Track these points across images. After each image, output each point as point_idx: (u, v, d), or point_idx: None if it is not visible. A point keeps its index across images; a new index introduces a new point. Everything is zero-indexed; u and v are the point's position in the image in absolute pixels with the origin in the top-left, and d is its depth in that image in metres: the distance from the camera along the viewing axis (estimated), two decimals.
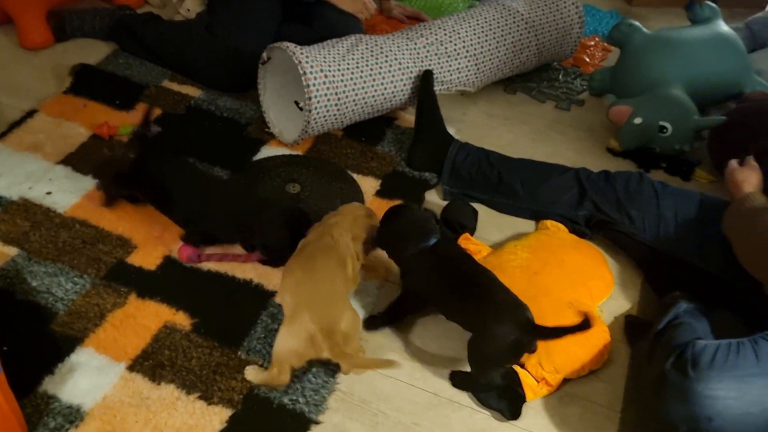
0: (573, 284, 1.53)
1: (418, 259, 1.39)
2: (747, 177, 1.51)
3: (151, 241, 1.59)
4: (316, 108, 1.77)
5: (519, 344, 1.27)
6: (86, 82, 2.02)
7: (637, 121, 1.92)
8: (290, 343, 1.27)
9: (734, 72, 2.07)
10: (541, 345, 1.30)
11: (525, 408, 1.35)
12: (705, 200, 1.63)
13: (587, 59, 2.42)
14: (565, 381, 1.40)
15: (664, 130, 1.90)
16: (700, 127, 1.91)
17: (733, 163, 1.58)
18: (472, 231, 1.68)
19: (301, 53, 1.76)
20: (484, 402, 1.36)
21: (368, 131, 1.97)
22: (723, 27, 2.10)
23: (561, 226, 1.67)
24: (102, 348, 1.37)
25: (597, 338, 1.43)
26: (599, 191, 1.66)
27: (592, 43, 2.50)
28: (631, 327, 1.51)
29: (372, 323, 1.47)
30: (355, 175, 1.83)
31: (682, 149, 1.94)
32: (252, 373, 1.33)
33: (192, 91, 2.05)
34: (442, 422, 1.33)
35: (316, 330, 1.25)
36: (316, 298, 1.29)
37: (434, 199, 1.81)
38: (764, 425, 1.19)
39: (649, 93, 1.96)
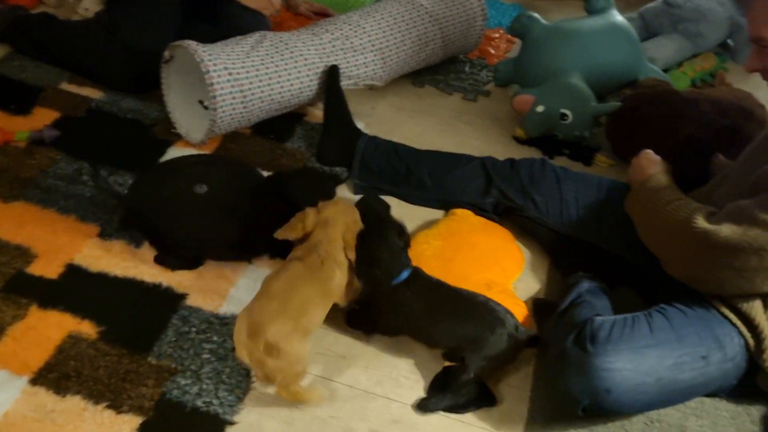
0: (487, 266, 1.58)
1: (397, 293, 1.39)
2: (651, 161, 1.55)
3: (53, 249, 1.53)
4: (221, 107, 1.75)
5: (518, 343, 1.35)
6: None
7: (540, 109, 1.98)
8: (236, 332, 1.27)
9: (628, 60, 2.17)
10: None
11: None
12: (604, 183, 1.70)
13: (492, 51, 2.48)
14: None
15: (565, 117, 1.98)
16: (598, 114, 2.00)
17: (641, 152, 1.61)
18: None
19: (204, 51, 1.74)
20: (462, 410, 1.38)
21: (277, 128, 1.96)
22: (617, 17, 2.19)
23: (468, 212, 1.71)
24: (2, 363, 1.31)
25: (515, 314, 1.47)
26: (505, 179, 1.70)
27: (497, 35, 2.56)
28: (538, 309, 1.55)
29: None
30: (265, 173, 1.81)
31: (583, 135, 2.02)
32: None
33: (92, 92, 1.98)
34: (359, 414, 1.34)
35: (243, 338, 1.24)
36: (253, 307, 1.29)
37: (346, 194, 1.81)
38: (659, 392, 1.26)
39: (549, 82, 2.03)
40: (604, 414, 1.32)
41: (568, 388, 1.26)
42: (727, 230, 1.22)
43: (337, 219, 1.40)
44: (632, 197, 1.53)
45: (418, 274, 1.42)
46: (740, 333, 1.30)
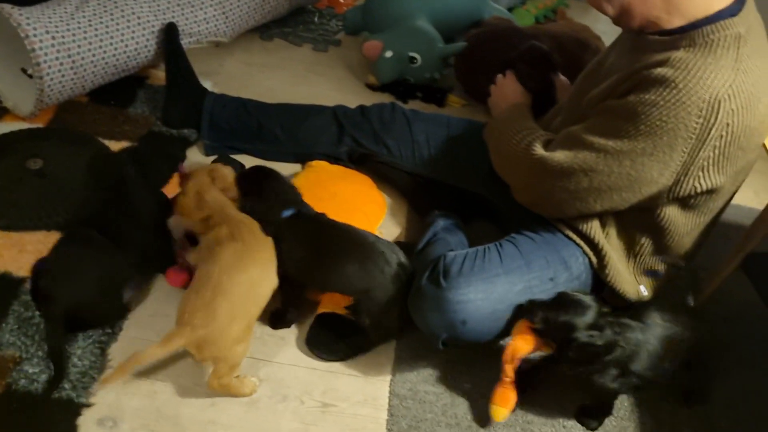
0: (351, 213, 1.56)
1: (288, 225, 1.35)
2: (514, 90, 1.56)
3: None
4: (48, 74, 1.61)
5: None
6: None
7: (388, 54, 1.98)
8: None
9: (473, 2, 2.20)
10: None
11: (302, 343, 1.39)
12: (453, 122, 1.72)
13: (340, 0, 2.44)
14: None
15: (414, 61, 1.98)
16: (445, 54, 2.02)
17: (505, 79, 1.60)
18: None
19: (20, 14, 1.59)
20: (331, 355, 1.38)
21: (117, 93, 1.85)
22: None
23: (324, 162, 1.69)
24: None
25: None
26: (356, 126, 1.69)
27: None
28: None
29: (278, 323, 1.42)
30: (107, 141, 1.71)
31: (433, 77, 2.04)
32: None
33: None
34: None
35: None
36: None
37: (197, 156, 1.74)
38: (512, 319, 1.31)
39: (396, 26, 2.02)
40: (462, 345, 1.36)
41: (427, 323, 1.29)
42: (559, 155, 1.27)
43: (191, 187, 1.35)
44: (491, 124, 1.54)
45: (306, 213, 1.40)
46: (584, 252, 1.37)
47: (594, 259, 1.37)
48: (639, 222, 1.33)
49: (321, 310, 1.42)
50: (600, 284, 1.42)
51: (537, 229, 1.41)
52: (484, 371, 1.39)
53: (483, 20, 2.19)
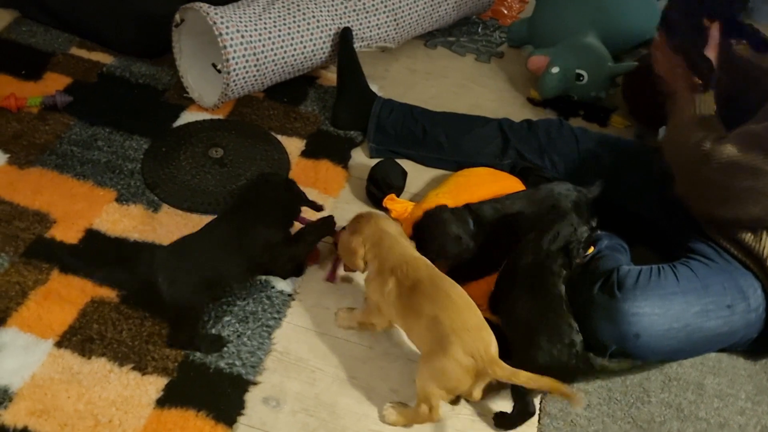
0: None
1: None
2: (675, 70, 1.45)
3: (71, 214, 1.53)
4: (234, 70, 1.73)
5: None
6: None
7: (555, 70, 1.96)
8: (443, 376, 1.18)
9: (645, 19, 2.13)
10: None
11: None
12: (622, 143, 1.69)
13: (505, 11, 2.45)
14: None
15: (581, 78, 1.95)
16: (614, 74, 1.97)
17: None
18: (398, 191, 1.68)
19: (216, 14, 1.71)
20: None
21: (290, 91, 1.95)
22: None
23: (476, 168, 1.69)
24: (27, 326, 1.32)
25: None
26: (522, 139, 1.69)
27: None
28: None
29: None
30: (279, 137, 1.81)
31: (599, 96, 2.00)
32: (394, 416, 1.27)
33: (103, 57, 1.97)
34: (378, 374, 1.35)
35: (472, 361, 1.16)
36: (465, 328, 1.17)
37: (361, 158, 1.81)
38: (686, 338, 1.28)
39: (564, 42, 2.00)
40: (631, 358, 1.33)
41: (597, 334, 1.28)
42: (730, 149, 1.23)
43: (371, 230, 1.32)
44: (668, 141, 1.46)
45: None
46: (763, 286, 1.32)
47: None
48: None
49: None
50: None
51: (710, 255, 1.38)
52: (642, 404, 1.35)
53: (654, 40, 2.12)
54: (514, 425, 1.29)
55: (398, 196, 1.66)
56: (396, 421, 1.27)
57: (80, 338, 1.31)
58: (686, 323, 1.27)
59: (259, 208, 1.38)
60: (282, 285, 1.47)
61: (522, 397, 1.26)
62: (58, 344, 1.30)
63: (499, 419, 1.29)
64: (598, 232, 1.49)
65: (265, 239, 1.36)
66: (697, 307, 1.28)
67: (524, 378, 1.15)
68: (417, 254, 1.30)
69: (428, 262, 1.29)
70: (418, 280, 1.23)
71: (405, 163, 1.77)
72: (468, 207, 1.45)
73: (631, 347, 1.26)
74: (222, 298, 1.41)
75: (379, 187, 1.66)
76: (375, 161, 1.75)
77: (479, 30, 2.33)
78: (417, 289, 1.22)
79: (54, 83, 1.86)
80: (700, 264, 1.36)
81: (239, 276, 1.38)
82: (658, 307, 1.26)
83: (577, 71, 1.95)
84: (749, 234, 1.34)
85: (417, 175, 1.77)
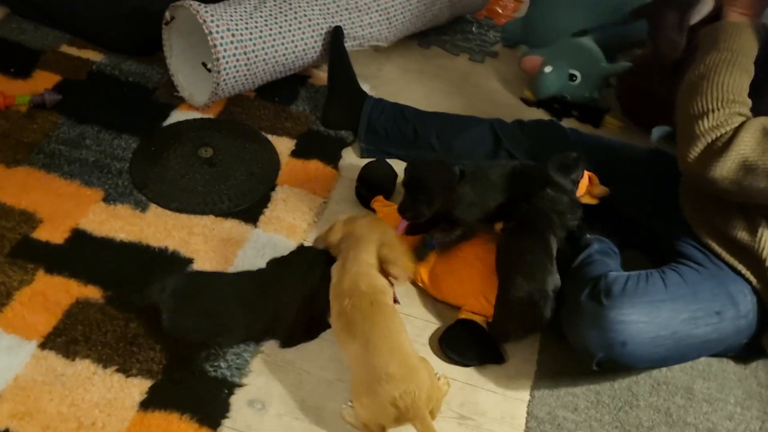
0: None
1: None
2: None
3: (58, 214, 1.52)
4: (225, 69, 1.72)
5: None
6: None
7: (548, 70, 1.95)
8: (369, 416, 1.16)
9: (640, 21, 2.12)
10: None
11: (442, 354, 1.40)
12: (615, 144, 1.68)
13: (500, 10, 2.43)
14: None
15: (574, 78, 1.94)
16: (608, 74, 1.96)
17: None
18: (388, 193, 1.66)
19: (206, 12, 1.70)
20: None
21: (281, 91, 1.93)
22: None
23: None
24: (11, 327, 1.31)
25: None
26: (513, 140, 1.68)
27: None
28: None
29: None
30: (269, 136, 1.79)
31: (592, 96, 1.99)
32: (351, 417, 1.24)
33: (93, 55, 1.95)
34: None
35: (395, 411, 1.12)
36: (390, 377, 1.13)
37: (352, 158, 1.79)
38: (674, 346, 1.27)
39: (558, 42, 1.99)
40: (618, 368, 1.34)
41: (584, 341, 1.27)
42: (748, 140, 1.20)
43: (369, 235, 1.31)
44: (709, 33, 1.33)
45: None
46: (753, 289, 1.31)
47: (763, 291, 1.30)
48: None
49: (462, 316, 1.43)
50: (763, 328, 1.35)
51: (700, 260, 1.36)
52: (630, 408, 1.35)
53: (648, 40, 2.10)
54: None
55: (387, 197, 1.64)
56: (350, 422, 1.25)
57: (65, 339, 1.30)
58: (674, 330, 1.26)
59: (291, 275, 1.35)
60: None
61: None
62: (42, 345, 1.29)
63: None
64: (588, 236, 1.49)
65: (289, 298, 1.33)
66: (686, 314, 1.26)
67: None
68: (375, 281, 1.25)
69: (380, 285, 1.25)
70: (360, 305, 1.20)
71: (396, 164, 1.76)
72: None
73: (618, 355, 1.25)
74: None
75: (368, 188, 1.65)
76: (366, 161, 1.74)
77: (473, 29, 2.32)
78: (356, 312, 1.19)
79: (43, 81, 1.84)
80: (689, 269, 1.34)
81: (240, 333, 1.32)
82: (646, 314, 1.24)
83: (571, 71, 1.94)
84: (746, 233, 1.32)
85: None
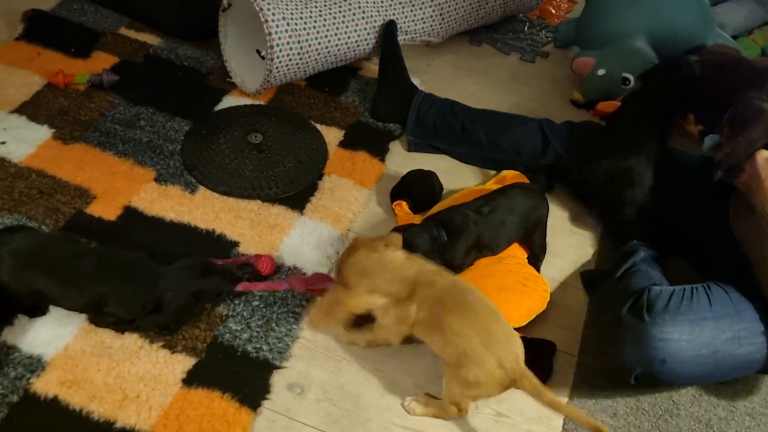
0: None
1: None
2: None
3: (111, 191, 1.56)
4: (278, 57, 1.74)
5: None
6: (39, 29, 1.95)
7: (600, 72, 1.93)
8: (476, 388, 1.19)
9: (697, 24, 2.08)
10: None
11: None
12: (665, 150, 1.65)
13: (553, 11, 2.41)
14: (528, 326, 1.42)
15: (627, 82, 1.92)
16: None
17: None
18: (416, 203, 1.61)
19: (263, 0, 1.72)
20: None
21: (332, 81, 1.95)
22: None
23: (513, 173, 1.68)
24: None
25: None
26: (562, 141, 1.67)
27: None
28: (587, 280, 1.53)
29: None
30: (318, 126, 1.81)
31: None
32: (420, 408, 1.28)
33: (150, 38, 1.99)
34: (404, 368, 1.35)
35: (504, 373, 1.16)
36: (494, 341, 1.16)
37: (399, 151, 1.80)
38: (715, 365, 1.24)
39: (612, 45, 1.97)
40: (656, 383, 1.31)
41: (623, 356, 1.25)
42: None
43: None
44: (751, 218, 1.31)
45: None
46: None
47: None
48: None
49: None
50: None
51: (746, 278, 1.32)
52: (670, 416, 1.33)
53: (705, 46, 2.06)
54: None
55: (413, 207, 1.61)
56: (423, 413, 1.28)
57: None
58: (716, 350, 1.23)
59: None
60: None
61: None
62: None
63: None
64: (634, 241, 1.47)
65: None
66: (729, 334, 1.23)
67: (547, 398, 1.16)
68: (429, 266, 1.25)
69: (442, 271, 1.25)
70: (438, 296, 1.20)
71: (443, 159, 1.77)
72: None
73: (657, 372, 1.23)
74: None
75: (402, 191, 1.64)
76: (412, 156, 1.75)
77: (525, 29, 2.30)
78: (439, 304, 1.19)
79: (102, 62, 1.89)
80: (735, 287, 1.30)
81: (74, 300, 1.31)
82: (687, 333, 1.21)
83: (624, 75, 1.91)
84: None
85: (454, 171, 1.75)
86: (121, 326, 1.31)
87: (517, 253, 1.50)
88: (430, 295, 1.20)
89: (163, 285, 1.28)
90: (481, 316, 1.19)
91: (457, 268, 1.37)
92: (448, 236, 1.37)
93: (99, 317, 1.30)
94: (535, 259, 1.51)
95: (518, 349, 1.18)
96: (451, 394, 1.23)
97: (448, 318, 1.18)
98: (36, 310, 1.31)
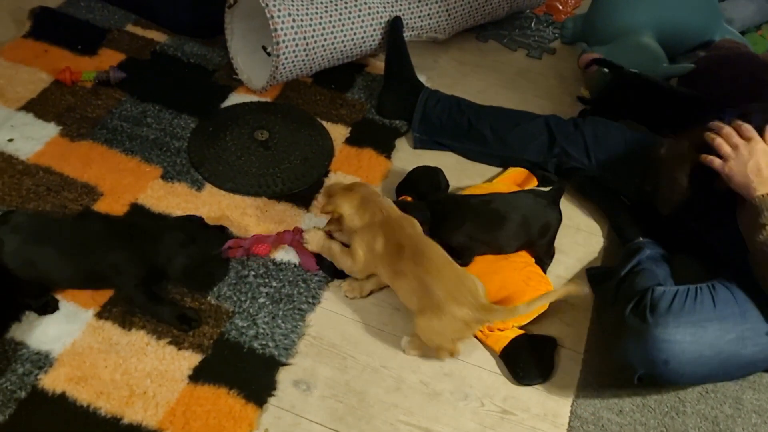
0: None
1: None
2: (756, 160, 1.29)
3: (118, 188, 1.57)
4: (284, 53, 1.74)
5: None
6: (46, 26, 1.96)
7: (607, 69, 1.91)
8: (445, 331, 1.28)
9: (705, 20, 2.07)
10: None
11: (493, 350, 1.39)
12: None
13: (560, 7, 2.40)
14: (533, 323, 1.42)
15: None
16: (669, 75, 1.92)
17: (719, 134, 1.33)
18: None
19: None
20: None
21: (338, 78, 1.95)
22: None
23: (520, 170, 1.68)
24: (70, 296, 1.36)
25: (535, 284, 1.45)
26: (568, 137, 1.66)
27: None
28: (593, 278, 1.53)
29: None
30: (324, 123, 1.81)
31: None
32: (414, 350, 1.37)
33: (157, 36, 2.00)
34: (409, 365, 1.35)
35: (467, 311, 1.25)
36: (449, 283, 1.27)
37: (405, 148, 1.80)
38: (718, 366, 1.23)
39: (619, 41, 1.96)
40: (660, 383, 1.31)
41: (626, 356, 1.25)
42: None
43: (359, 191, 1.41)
44: (749, 225, 1.28)
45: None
46: None
47: None
48: None
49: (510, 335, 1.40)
50: None
51: (752, 276, 1.31)
52: (677, 414, 1.33)
53: (713, 42, 2.06)
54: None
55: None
56: (416, 354, 1.36)
57: (121, 310, 1.34)
58: (719, 350, 1.22)
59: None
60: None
61: None
62: (99, 315, 1.33)
63: None
64: (641, 239, 1.46)
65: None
66: (733, 335, 1.22)
67: (522, 310, 1.27)
68: (402, 214, 1.38)
69: (412, 221, 1.36)
70: (401, 242, 1.31)
71: (449, 156, 1.76)
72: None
73: (660, 373, 1.22)
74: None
75: (408, 188, 1.64)
76: (418, 153, 1.75)
77: (532, 25, 2.30)
78: (401, 249, 1.30)
79: (108, 59, 1.89)
80: (740, 286, 1.29)
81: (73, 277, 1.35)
82: (691, 334, 1.21)
83: (631, 71, 1.90)
84: None
85: (460, 168, 1.75)
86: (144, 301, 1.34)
87: (524, 254, 1.50)
88: (395, 236, 1.32)
89: (162, 248, 1.34)
90: (435, 263, 1.28)
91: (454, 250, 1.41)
92: (438, 217, 1.45)
93: (125, 282, 1.33)
94: (541, 262, 1.50)
95: (473, 285, 1.27)
96: (428, 340, 1.31)
97: (407, 263, 1.29)
98: (47, 306, 1.32)
